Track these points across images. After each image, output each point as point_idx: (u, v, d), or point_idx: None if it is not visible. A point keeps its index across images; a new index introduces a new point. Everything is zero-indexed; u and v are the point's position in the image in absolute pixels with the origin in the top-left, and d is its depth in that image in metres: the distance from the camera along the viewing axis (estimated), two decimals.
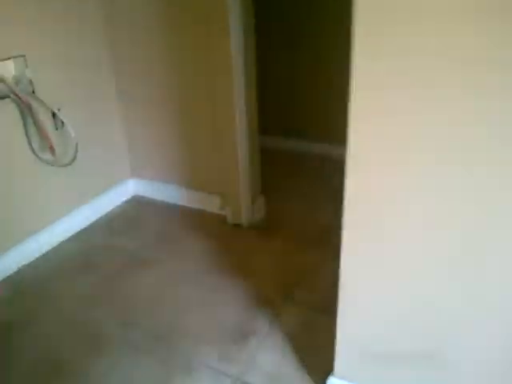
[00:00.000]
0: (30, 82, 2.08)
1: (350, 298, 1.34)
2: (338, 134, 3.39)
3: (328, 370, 1.50)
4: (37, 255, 2.32)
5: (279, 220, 2.62)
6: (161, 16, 2.31)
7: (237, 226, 2.55)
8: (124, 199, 2.87)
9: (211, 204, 2.66)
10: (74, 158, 2.29)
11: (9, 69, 1.99)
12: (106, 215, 2.71)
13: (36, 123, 2.14)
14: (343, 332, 1.41)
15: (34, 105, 2.10)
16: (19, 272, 2.22)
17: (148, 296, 2.04)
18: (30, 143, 2.17)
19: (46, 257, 2.34)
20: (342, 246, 1.28)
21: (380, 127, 1.07)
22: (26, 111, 2.09)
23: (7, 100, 2.03)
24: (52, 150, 2.19)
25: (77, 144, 2.27)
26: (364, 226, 1.22)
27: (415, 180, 1.08)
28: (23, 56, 2.05)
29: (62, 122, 2.21)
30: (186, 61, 2.35)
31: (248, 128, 2.36)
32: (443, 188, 1.06)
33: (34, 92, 2.11)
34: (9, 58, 1.99)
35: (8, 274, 2.19)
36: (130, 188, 2.90)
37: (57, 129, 2.24)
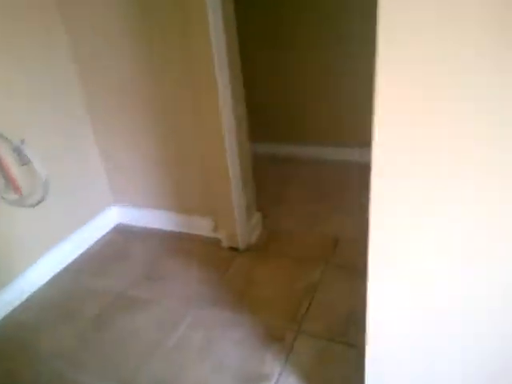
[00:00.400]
0: None
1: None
2: (330, 135, 3.28)
3: None
4: (13, 306, 2.07)
5: (279, 237, 2.40)
6: (134, 34, 2.07)
7: (233, 249, 2.32)
8: (107, 230, 2.63)
9: (203, 227, 2.43)
10: (43, 198, 2.05)
11: None
12: (88, 250, 2.46)
13: None
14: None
15: None
16: None
17: (141, 346, 1.80)
18: None
19: (23, 306, 2.09)
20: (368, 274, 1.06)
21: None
22: None
23: None
24: (17, 189, 1.95)
25: (47, 180, 2.02)
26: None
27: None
28: None
29: (28, 157, 1.96)
30: (166, 75, 2.12)
31: (238, 142, 2.13)
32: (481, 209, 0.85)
33: None
34: None
35: None
36: (112, 216, 2.66)
37: (22, 165, 1.99)
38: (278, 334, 1.77)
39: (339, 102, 3.01)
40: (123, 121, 2.34)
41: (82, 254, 2.43)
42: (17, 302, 2.09)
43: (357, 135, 3.04)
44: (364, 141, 3.11)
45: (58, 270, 2.30)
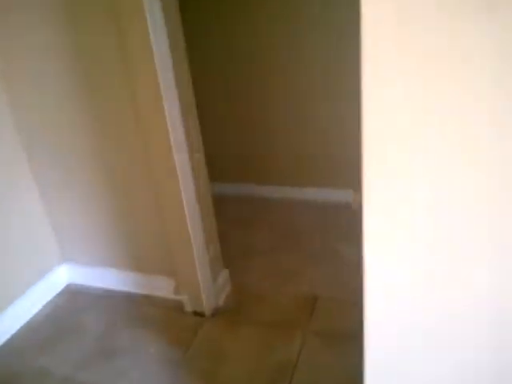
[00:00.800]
0: None
1: None
2: (299, 174, 3.02)
3: None
4: None
5: (250, 298, 2.13)
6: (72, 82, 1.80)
7: (198, 314, 2.04)
8: (55, 292, 2.31)
9: (162, 288, 2.15)
10: None
11: None
12: (32, 321, 2.14)
13: None
14: None
15: None
16: None
17: None
18: None
19: None
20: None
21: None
22: None
23: None
24: None
25: None
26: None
27: None
28: None
29: None
30: (112, 126, 1.85)
31: (197, 190, 1.87)
32: None
33: None
34: None
35: None
36: (62, 277, 2.35)
37: None
38: None
39: (305, 139, 2.80)
40: (69, 171, 2.05)
41: (23, 327, 2.10)
42: None
43: (324, 173, 2.84)
44: (330, 179, 2.93)
45: None
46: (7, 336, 2.04)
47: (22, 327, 2.10)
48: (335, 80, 2.55)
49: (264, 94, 2.77)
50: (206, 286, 2.00)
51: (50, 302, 2.25)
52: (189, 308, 2.05)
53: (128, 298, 2.19)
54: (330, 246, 2.42)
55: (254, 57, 2.69)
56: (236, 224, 2.75)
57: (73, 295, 2.29)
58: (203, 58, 2.77)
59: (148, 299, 2.17)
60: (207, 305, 2.02)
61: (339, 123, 2.66)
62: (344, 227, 2.59)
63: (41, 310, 2.20)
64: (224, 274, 2.16)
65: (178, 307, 2.08)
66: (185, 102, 1.75)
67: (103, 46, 1.70)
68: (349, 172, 2.74)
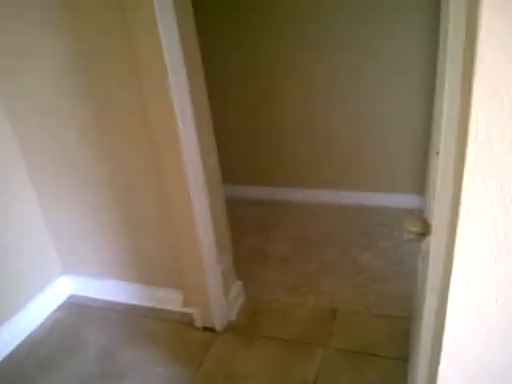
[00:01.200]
0: None
1: None
2: (315, 176, 2.88)
3: None
4: None
5: (264, 311, 1.99)
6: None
7: (208, 330, 1.90)
8: (57, 304, 2.18)
9: (171, 301, 2.01)
10: None
11: None
12: (33, 334, 2.01)
13: None
14: None
15: None
16: None
17: None
18: None
19: None
20: None
21: None
22: None
23: None
24: None
25: None
26: None
27: None
28: None
29: None
30: (119, 128, 1.72)
31: (210, 199, 1.74)
32: None
33: None
34: None
35: None
36: (63, 288, 2.22)
37: None
38: None
39: (318, 142, 2.67)
40: (72, 181, 1.92)
41: (24, 341, 1.97)
42: None
43: (341, 175, 2.71)
44: (348, 182, 2.80)
45: None
46: (6, 352, 1.91)
47: (22, 342, 1.97)
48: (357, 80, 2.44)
49: (284, 93, 2.64)
50: (218, 299, 1.86)
51: (52, 315, 2.12)
52: (199, 323, 1.91)
53: (134, 312, 2.06)
54: (348, 256, 2.27)
55: (270, 52, 2.56)
56: (248, 229, 2.61)
57: (75, 308, 2.16)
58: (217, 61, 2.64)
59: (155, 313, 2.03)
60: (218, 320, 1.88)
61: (356, 126, 2.54)
62: (362, 232, 2.45)
63: (41, 324, 2.06)
64: (237, 286, 2.02)
65: (187, 321, 1.94)
66: (198, 106, 1.61)
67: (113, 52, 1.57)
68: (369, 174, 2.62)
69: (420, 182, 2.40)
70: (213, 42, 2.53)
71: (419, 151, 2.43)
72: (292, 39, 2.47)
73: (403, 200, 2.58)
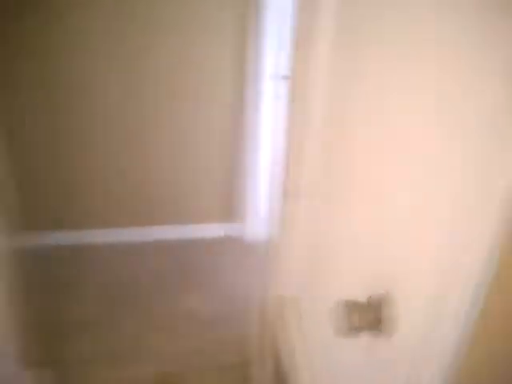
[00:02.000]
0: None
1: None
2: (131, 212, 2.39)
3: None
4: None
5: None
6: None
7: None
8: None
9: None
10: None
11: None
12: None
13: None
14: None
15: None
16: None
17: None
18: None
19: None
20: None
21: None
22: None
23: None
24: None
25: None
26: None
27: None
28: None
29: None
30: None
31: None
32: None
33: None
34: None
35: None
36: None
37: None
38: None
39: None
40: None
41: None
42: None
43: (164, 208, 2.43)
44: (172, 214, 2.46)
45: None
46: None
47: None
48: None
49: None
50: None
51: None
52: None
53: None
54: (180, 304, 1.98)
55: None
56: (52, 290, 2.04)
57: None
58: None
59: None
60: None
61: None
62: (193, 272, 2.18)
63: None
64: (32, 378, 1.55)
65: None
66: None
67: None
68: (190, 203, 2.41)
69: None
70: None
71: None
72: None
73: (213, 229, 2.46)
